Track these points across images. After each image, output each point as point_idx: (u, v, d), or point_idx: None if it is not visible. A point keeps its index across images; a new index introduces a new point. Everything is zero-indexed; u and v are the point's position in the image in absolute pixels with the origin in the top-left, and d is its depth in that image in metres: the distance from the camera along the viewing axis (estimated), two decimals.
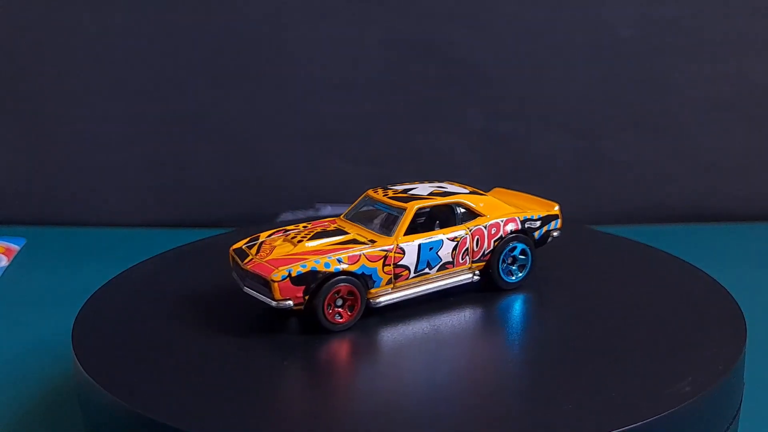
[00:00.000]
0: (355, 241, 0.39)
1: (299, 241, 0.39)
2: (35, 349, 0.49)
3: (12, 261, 0.66)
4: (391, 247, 0.39)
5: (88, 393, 0.34)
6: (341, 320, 0.37)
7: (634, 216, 0.74)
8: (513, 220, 0.42)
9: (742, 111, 0.73)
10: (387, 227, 0.40)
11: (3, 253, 0.67)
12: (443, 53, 0.72)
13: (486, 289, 0.41)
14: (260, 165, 0.75)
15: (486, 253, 0.41)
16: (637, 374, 0.33)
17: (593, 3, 0.71)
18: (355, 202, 0.43)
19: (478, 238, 0.41)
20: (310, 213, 0.72)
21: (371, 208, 0.42)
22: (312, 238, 0.39)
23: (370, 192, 0.43)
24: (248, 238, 0.41)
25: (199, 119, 0.74)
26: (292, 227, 0.41)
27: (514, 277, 0.42)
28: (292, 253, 0.38)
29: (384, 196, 0.42)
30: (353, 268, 0.37)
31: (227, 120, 0.74)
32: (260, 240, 0.40)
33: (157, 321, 0.39)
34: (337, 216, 0.43)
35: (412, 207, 0.40)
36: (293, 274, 0.36)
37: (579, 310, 0.39)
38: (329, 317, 0.37)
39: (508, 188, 0.47)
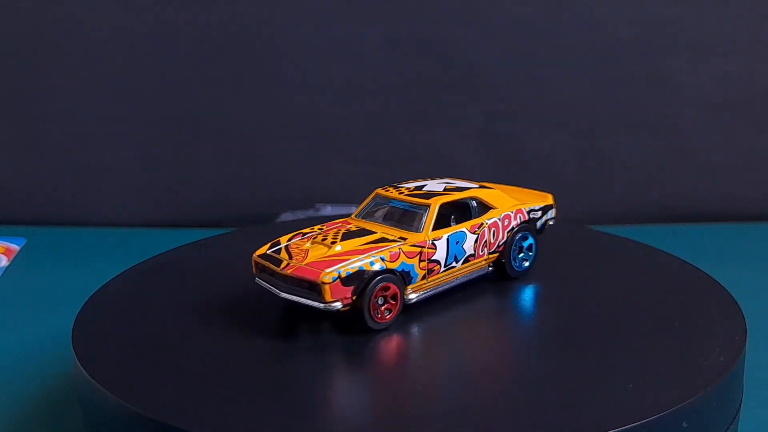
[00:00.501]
0: (384, 240, 0.39)
1: (332, 242, 0.38)
2: (35, 349, 0.49)
3: (12, 261, 0.66)
4: (425, 242, 0.39)
5: (88, 393, 0.34)
6: (386, 318, 0.37)
7: (634, 216, 0.74)
8: (521, 212, 0.43)
9: (742, 111, 0.73)
10: (410, 224, 0.40)
11: (3, 253, 0.67)
12: (443, 53, 0.72)
13: (495, 279, 0.43)
14: (260, 165, 0.75)
15: (501, 244, 0.42)
16: (636, 374, 0.33)
17: (593, 3, 0.71)
18: (365, 202, 0.42)
19: (494, 230, 0.42)
20: (310, 213, 0.72)
21: (386, 206, 0.41)
22: (342, 239, 0.39)
23: (381, 191, 0.42)
24: (269, 244, 0.40)
25: (199, 119, 0.74)
26: (307, 230, 0.41)
27: (522, 266, 0.43)
28: (330, 256, 0.37)
29: (400, 194, 0.41)
30: (394, 266, 0.38)
31: (227, 120, 0.74)
32: (283, 244, 0.40)
33: (157, 321, 0.39)
34: (345, 216, 0.43)
35: (436, 203, 0.40)
36: (343, 275, 0.36)
37: (579, 310, 0.39)
38: (374, 316, 0.37)
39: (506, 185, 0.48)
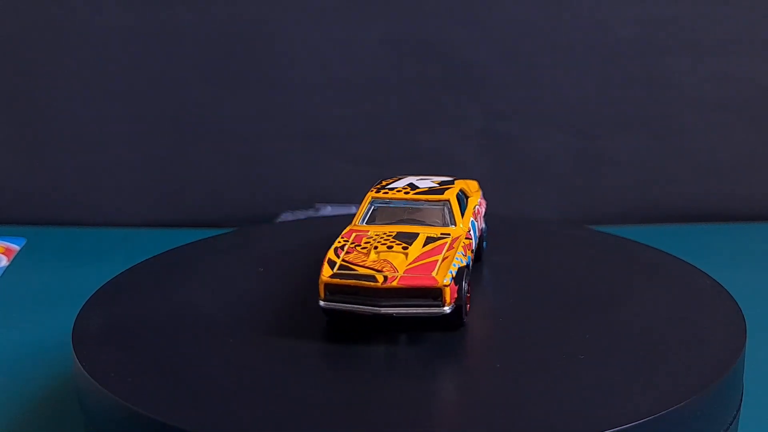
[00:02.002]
0: (434, 238, 0.38)
1: (403, 248, 0.37)
2: (35, 349, 0.49)
3: (12, 261, 0.66)
4: (467, 234, 0.40)
5: (88, 393, 0.34)
6: (467, 312, 0.38)
7: (634, 216, 0.74)
8: (482, 199, 0.46)
9: (742, 111, 0.73)
10: (436, 220, 0.40)
11: (3, 253, 0.67)
12: (443, 53, 0.72)
13: (488, 275, 0.44)
14: (260, 165, 0.75)
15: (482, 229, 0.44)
16: (636, 374, 0.33)
17: (593, 3, 0.71)
18: (362, 209, 0.41)
19: (479, 217, 0.43)
20: (310, 213, 0.72)
21: (389, 208, 0.41)
22: (400, 244, 0.37)
23: (377, 195, 0.41)
24: (325, 266, 0.36)
25: (199, 119, 0.74)
26: (338, 243, 0.39)
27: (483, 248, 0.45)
28: (418, 259, 0.36)
29: (406, 194, 0.41)
30: (467, 261, 0.38)
31: (227, 120, 0.74)
32: (341, 262, 0.37)
33: (157, 321, 0.39)
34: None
35: (452, 196, 0.41)
36: (453, 275, 0.35)
37: (578, 310, 0.39)
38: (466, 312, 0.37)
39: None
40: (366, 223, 0.41)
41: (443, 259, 0.36)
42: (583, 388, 0.32)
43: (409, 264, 0.36)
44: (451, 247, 0.37)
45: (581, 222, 0.69)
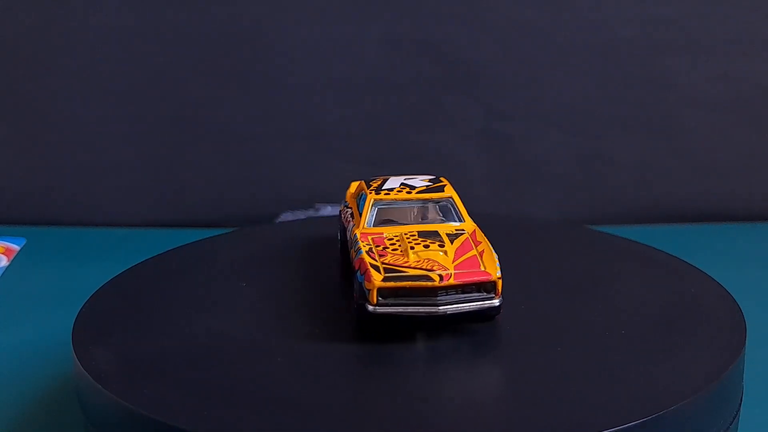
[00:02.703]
0: (453, 234, 0.39)
1: (441, 246, 0.37)
2: (35, 349, 0.49)
3: (12, 261, 0.66)
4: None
5: (88, 393, 0.34)
6: None
7: (634, 216, 0.74)
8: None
9: (742, 111, 0.73)
10: (446, 217, 0.40)
11: (3, 253, 0.67)
12: (443, 53, 0.72)
13: None
14: (260, 165, 0.75)
15: None
16: (636, 373, 0.33)
17: (593, 3, 0.71)
18: (366, 211, 0.41)
19: None
20: (311, 213, 0.72)
21: (393, 209, 0.41)
22: (435, 242, 0.38)
23: (377, 197, 0.41)
24: (372, 271, 0.36)
25: (198, 119, 0.74)
26: (364, 246, 0.38)
27: None
28: (458, 256, 0.37)
29: (408, 194, 0.41)
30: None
31: (227, 120, 0.74)
32: (384, 265, 0.36)
33: (157, 321, 0.39)
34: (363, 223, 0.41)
35: (453, 192, 0.41)
36: (499, 268, 0.36)
37: (578, 310, 0.39)
38: None
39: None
40: (374, 226, 0.40)
41: (480, 253, 0.37)
42: (582, 387, 0.32)
43: (454, 261, 0.36)
44: (477, 242, 0.38)
45: (581, 222, 0.69)
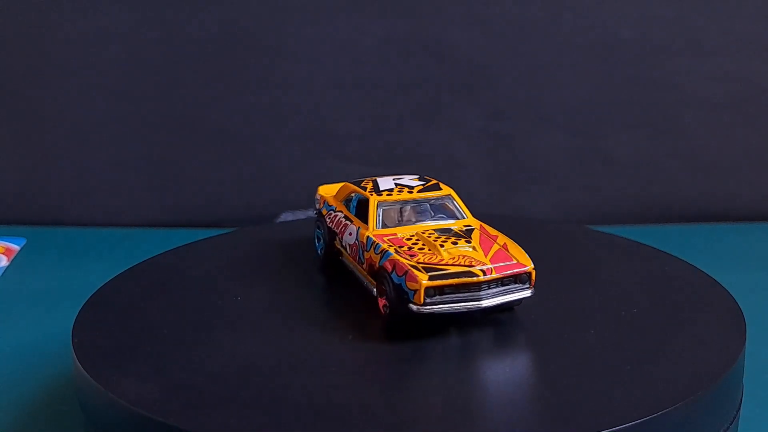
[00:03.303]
0: (467, 230, 0.39)
1: (468, 242, 0.38)
2: (35, 349, 0.49)
3: (12, 261, 0.66)
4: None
5: (88, 393, 0.34)
6: None
7: (634, 216, 0.74)
8: None
9: (742, 111, 0.73)
10: (449, 215, 0.41)
11: (3, 253, 0.67)
12: (444, 53, 0.72)
13: None
14: (260, 165, 0.75)
15: None
16: (636, 373, 0.33)
17: (594, 3, 0.71)
18: (373, 214, 0.40)
19: None
20: (310, 213, 0.72)
21: (397, 209, 0.41)
22: (461, 238, 0.38)
23: (380, 198, 0.41)
24: (415, 271, 0.36)
25: (198, 119, 0.74)
26: (388, 248, 0.38)
27: None
28: (487, 250, 0.37)
29: (409, 193, 0.41)
30: None
31: (227, 120, 0.74)
32: (423, 265, 0.36)
33: (157, 321, 0.39)
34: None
35: (451, 190, 0.41)
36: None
37: (578, 310, 0.39)
38: None
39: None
40: (382, 227, 0.40)
41: (503, 246, 0.38)
42: (582, 387, 0.32)
43: (486, 255, 0.37)
44: (492, 236, 0.39)
45: (581, 222, 0.69)
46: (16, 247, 0.68)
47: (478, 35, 0.72)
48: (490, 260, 0.36)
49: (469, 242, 0.38)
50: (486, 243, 0.38)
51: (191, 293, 0.42)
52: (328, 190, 0.48)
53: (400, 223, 0.40)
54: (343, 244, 0.42)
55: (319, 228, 0.46)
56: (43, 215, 0.75)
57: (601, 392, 0.32)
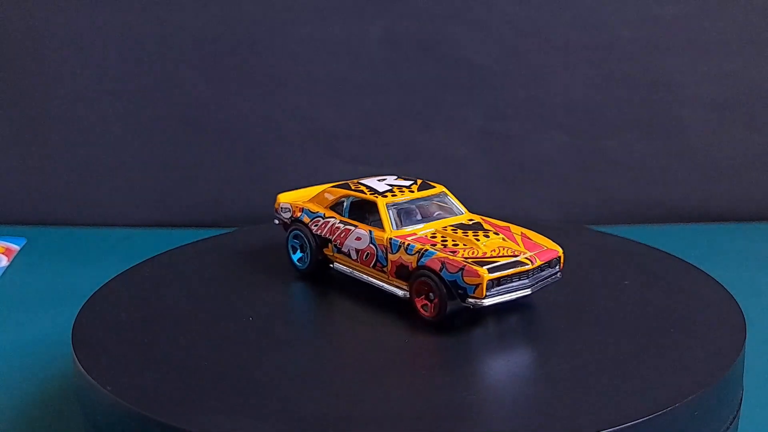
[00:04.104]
0: (474, 223, 0.40)
1: (495, 233, 0.39)
2: (35, 349, 0.50)
3: (12, 261, 0.66)
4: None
5: (88, 393, 0.34)
6: None
7: (634, 216, 0.74)
8: None
9: (742, 111, 0.73)
10: (450, 211, 0.41)
11: (3, 253, 0.67)
12: (443, 53, 0.72)
13: None
14: (260, 165, 0.75)
15: None
16: (636, 373, 0.33)
17: (594, 3, 0.71)
18: (386, 216, 0.40)
19: None
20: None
21: (403, 209, 0.41)
22: (489, 230, 0.39)
23: (385, 199, 0.40)
24: (474, 267, 0.36)
25: (198, 119, 0.74)
26: (424, 246, 0.38)
27: None
28: (514, 240, 0.39)
29: (411, 192, 0.41)
30: None
31: (227, 120, 0.74)
32: (468, 257, 0.37)
33: (157, 321, 0.39)
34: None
35: (441, 187, 0.42)
36: None
37: (578, 310, 0.39)
38: None
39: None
40: (399, 228, 0.40)
41: (523, 235, 0.39)
42: (582, 387, 0.32)
43: (519, 245, 0.38)
44: (502, 226, 0.40)
45: (581, 222, 0.69)
46: (16, 247, 0.68)
47: (479, 35, 0.72)
48: (527, 249, 0.38)
49: (497, 234, 0.39)
50: (507, 233, 0.39)
51: (191, 293, 0.42)
52: (295, 197, 0.46)
53: (411, 222, 0.40)
54: (344, 250, 0.41)
55: (296, 238, 0.44)
56: (43, 215, 0.75)
57: (600, 392, 0.32)
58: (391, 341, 0.37)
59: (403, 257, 0.38)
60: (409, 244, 0.38)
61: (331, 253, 0.42)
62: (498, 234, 0.39)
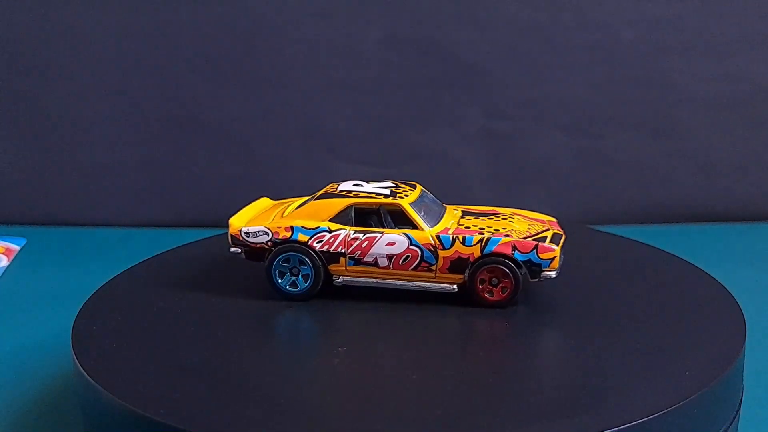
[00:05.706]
0: (466, 210, 0.43)
1: (504, 218, 0.42)
2: (35, 349, 0.49)
3: (12, 261, 0.66)
4: None
5: (88, 393, 0.34)
6: None
7: (634, 216, 0.74)
8: None
9: (742, 111, 0.73)
10: (437, 204, 0.42)
11: (3, 253, 0.67)
12: (443, 53, 0.72)
13: None
14: (259, 165, 0.75)
15: None
16: (636, 373, 0.33)
17: (594, 3, 0.71)
18: (416, 216, 0.40)
19: None
20: None
21: (420, 205, 0.41)
22: (499, 215, 0.42)
23: (397, 201, 0.40)
24: (542, 243, 0.39)
25: (198, 119, 0.74)
26: (481, 234, 0.39)
27: None
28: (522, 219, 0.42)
29: (412, 190, 0.41)
30: None
31: (226, 120, 0.74)
32: (530, 236, 0.40)
33: (157, 321, 0.39)
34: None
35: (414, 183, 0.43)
36: None
37: (578, 310, 0.39)
38: None
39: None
40: (431, 225, 0.40)
41: (522, 216, 0.42)
42: (582, 387, 0.32)
43: (534, 222, 0.42)
44: (492, 210, 0.43)
45: (581, 222, 0.69)
46: (16, 247, 0.68)
47: (479, 35, 0.72)
48: (541, 225, 0.41)
49: (505, 218, 0.41)
50: (513, 215, 0.42)
51: (191, 293, 0.42)
52: (248, 216, 0.44)
53: (435, 218, 0.40)
54: (368, 260, 0.39)
55: (287, 262, 0.40)
56: (43, 215, 0.75)
57: (600, 392, 0.32)
58: (396, 340, 0.37)
59: (460, 250, 0.39)
60: (465, 236, 0.39)
61: (343, 268, 0.40)
62: (506, 218, 0.41)
